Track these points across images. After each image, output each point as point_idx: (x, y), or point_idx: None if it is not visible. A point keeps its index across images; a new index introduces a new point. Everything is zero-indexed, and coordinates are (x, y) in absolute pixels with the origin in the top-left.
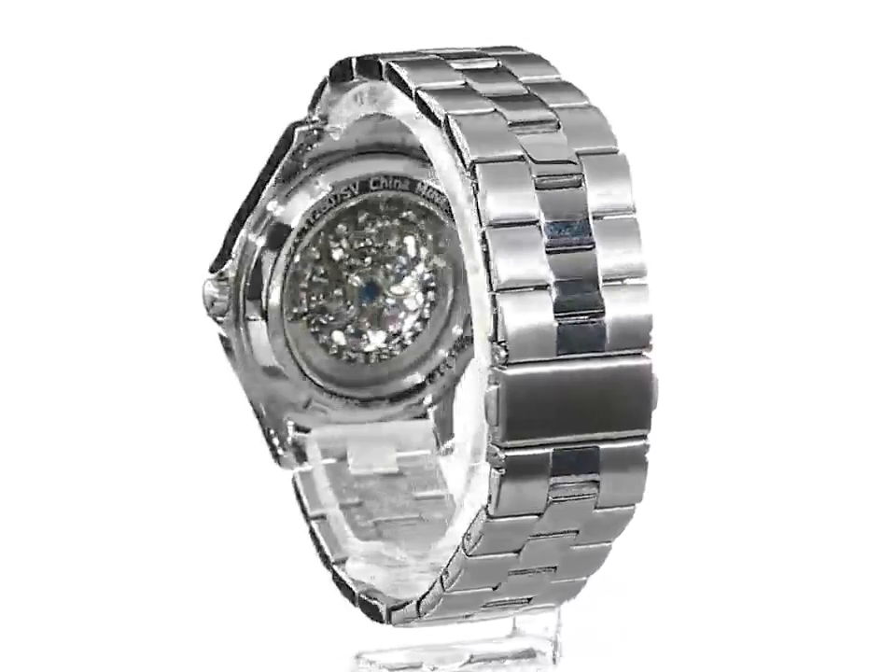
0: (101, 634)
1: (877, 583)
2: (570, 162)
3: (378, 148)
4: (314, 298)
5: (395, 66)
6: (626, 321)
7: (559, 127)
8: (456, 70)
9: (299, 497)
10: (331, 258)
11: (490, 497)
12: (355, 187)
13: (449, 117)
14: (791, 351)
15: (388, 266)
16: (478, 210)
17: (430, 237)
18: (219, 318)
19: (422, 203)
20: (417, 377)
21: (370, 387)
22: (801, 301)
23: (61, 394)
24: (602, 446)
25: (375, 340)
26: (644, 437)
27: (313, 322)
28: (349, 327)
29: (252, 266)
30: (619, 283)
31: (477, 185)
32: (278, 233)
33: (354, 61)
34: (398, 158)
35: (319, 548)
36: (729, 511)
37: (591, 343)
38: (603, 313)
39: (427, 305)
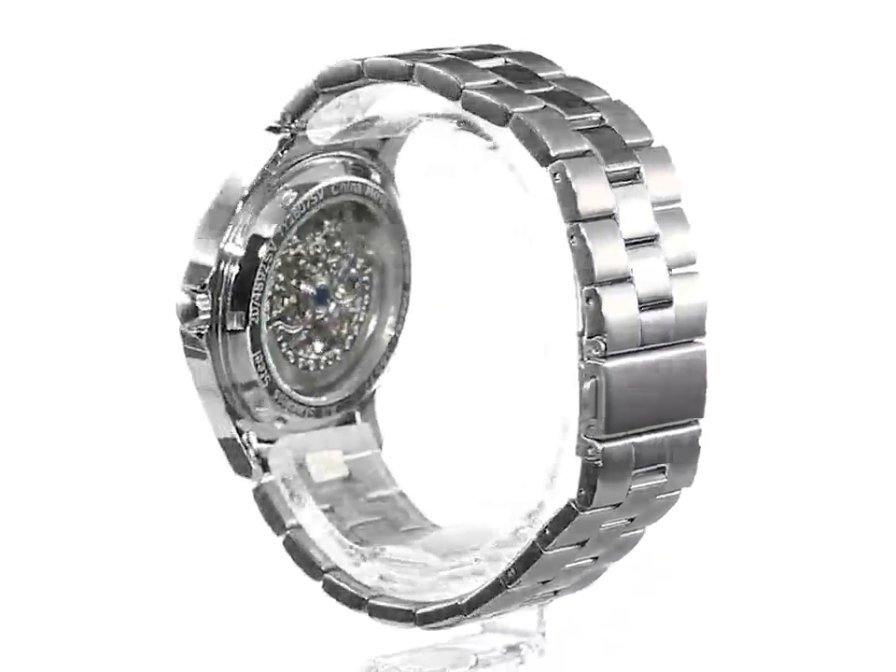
0: (109, 644)
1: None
2: (629, 156)
3: (337, 151)
4: (275, 306)
5: (428, 66)
6: (690, 310)
7: (602, 120)
8: (483, 69)
9: (266, 508)
10: (289, 264)
11: (581, 492)
12: (321, 192)
13: (516, 113)
14: (792, 339)
15: (335, 271)
16: (563, 204)
17: (366, 239)
18: (198, 331)
19: (368, 206)
20: (359, 381)
21: (322, 394)
22: (803, 289)
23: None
24: (670, 433)
25: (320, 346)
26: (698, 422)
27: (278, 331)
28: (302, 334)
29: (234, 277)
30: (678, 272)
31: (561, 179)
32: (254, 244)
33: (363, 63)
34: (351, 160)
35: (304, 557)
36: (717, 509)
37: (665, 332)
38: (671, 303)
39: (364, 308)
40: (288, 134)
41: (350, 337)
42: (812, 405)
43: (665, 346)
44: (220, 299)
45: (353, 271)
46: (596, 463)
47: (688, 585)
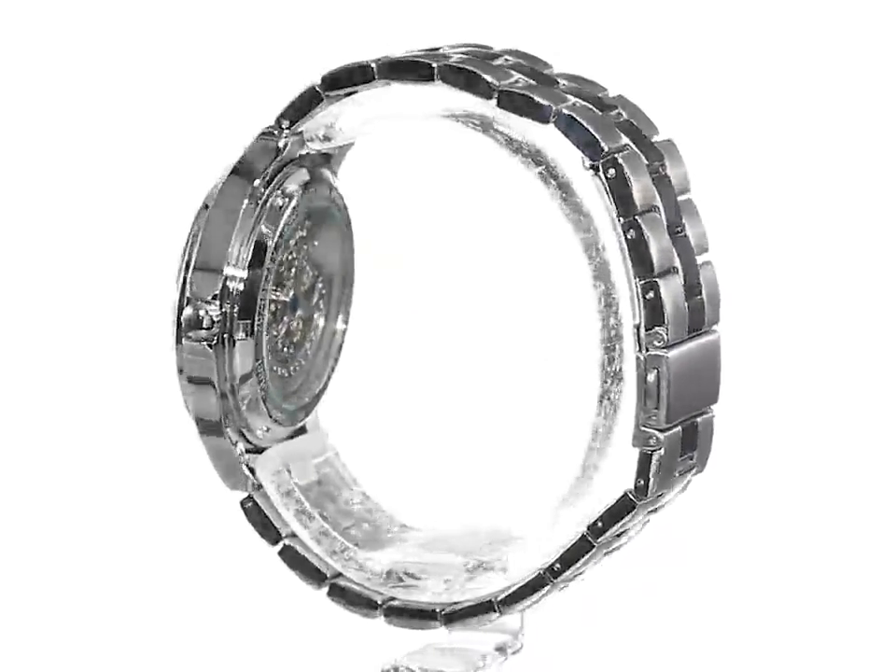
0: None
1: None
2: (655, 150)
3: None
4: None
5: (455, 65)
6: (713, 297)
7: (620, 115)
8: (501, 67)
9: (257, 518)
10: (272, 271)
11: (640, 482)
12: (305, 198)
13: (562, 110)
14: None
15: (302, 276)
16: (619, 198)
17: (325, 243)
18: (207, 342)
19: (332, 210)
20: (320, 385)
21: (294, 400)
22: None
23: None
24: (699, 419)
25: (291, 352)
26: (712, 408)
27: (265, 340)
28: (279, 341)
29: (239, 289)
30: (699, 261)
31: (616, 173)
32: (258, 252)
33: (378, 64)
34: (312, 164)
35: (304, 565)
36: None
37: (700, 320)
38: (701, 291)
39: (319, 312)
40: (285, 140)
41: (309, 343)
42: (807, 401)
43: (700, 334)
44: (227, 309)
45: (312, 274)
46: (659, 451)
47: (670, 582)
